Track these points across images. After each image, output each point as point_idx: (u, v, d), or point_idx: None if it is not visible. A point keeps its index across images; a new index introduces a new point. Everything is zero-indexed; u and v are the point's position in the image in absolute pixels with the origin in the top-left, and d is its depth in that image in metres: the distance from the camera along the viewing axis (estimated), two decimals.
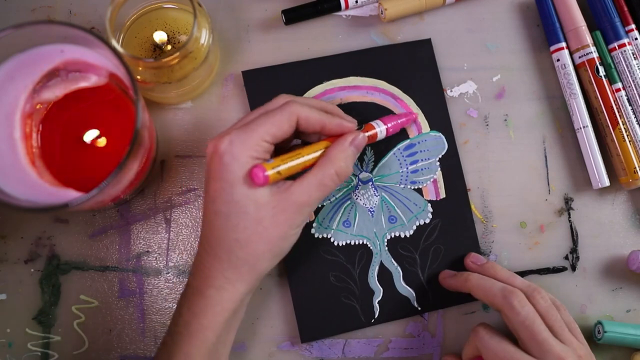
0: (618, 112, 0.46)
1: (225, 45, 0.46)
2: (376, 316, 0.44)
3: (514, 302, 0.38)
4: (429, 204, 0.45)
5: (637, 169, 0.45)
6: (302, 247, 0.43)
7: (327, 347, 0.44)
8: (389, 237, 0.44)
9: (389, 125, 0.42)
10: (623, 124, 0.46)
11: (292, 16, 0.46)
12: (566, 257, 0.46)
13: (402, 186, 0.45)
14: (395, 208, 0.45)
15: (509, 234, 0.46)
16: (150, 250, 0.44)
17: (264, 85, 0.45)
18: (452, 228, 0.45)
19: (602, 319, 0.45)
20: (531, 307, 0.38)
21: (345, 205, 0.44)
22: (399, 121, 0.43)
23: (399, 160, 0.45)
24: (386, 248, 0.44)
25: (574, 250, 0.46)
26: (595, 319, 0.46)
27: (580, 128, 0.46)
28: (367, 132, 0.41)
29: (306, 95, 0.45)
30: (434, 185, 0.45)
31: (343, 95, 0.45)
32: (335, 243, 0.44)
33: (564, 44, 0.47)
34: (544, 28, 0.48)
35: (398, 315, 0.44)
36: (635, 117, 0.46)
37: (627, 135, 0.46)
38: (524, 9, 0.49)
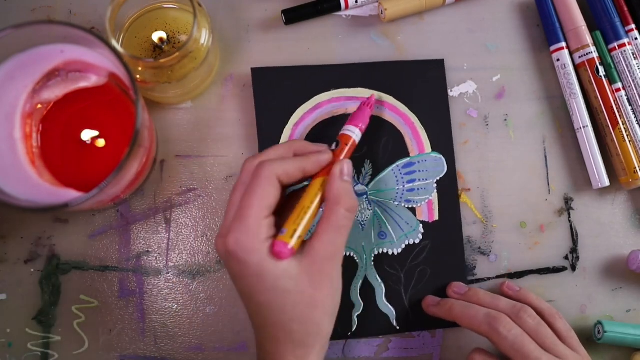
0: (618, 112, 0.46)
1: (225, 45, 0.46)
2: (353, 329, 0.43)
3: (499, 328, 0.38)
4: (421, 225, 0.45)
5: (637, 169, 0.45)
6: None
7: None
8: (376, 253, 0.44)
9: (361, 124, 0.41)
10: (623, 124, 0.46)
11: (292, 16, 0.46)
12: (566, 257, 0.46)
13: (396, 203, 0.45)
14: (387, 224, 0.45)
15: (509, 234, 0.46)
16: (150, 250, 0.44)
17: (271, 85, 0.45)
18: (441, 251, 0.45)
19: (602, 319, 0.45)
20: (518, 330, 0.38)
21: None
22: (366, 113, 0.42)
23: (396, 177, 0.45)
24: (372, 263, 0.44)
25: (574, 250, 0.46)
26: (595, 319, 0.46)
27: (580, 128, 0.46)
28: (346, 146, 0.39)
29: (312, 100, 0.45)
30: (429, 207, 0.45)
31: (349, 106, 0.45)
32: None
33: (564, 44, 0.47)
34: (544, 28, 0.48)
35: (375, 332, 0.44)
36: (635, 117, 0.46)
37: (627, 135, 0.46)
38: (524, 9, 0.49)
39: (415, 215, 0.45)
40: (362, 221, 0.44)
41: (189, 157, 0.45)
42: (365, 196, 0.45)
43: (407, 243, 0.45)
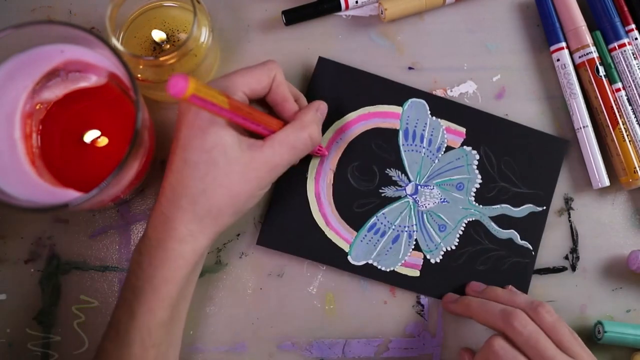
0: (618, 112, 0.46)
1: (225, 45, 0.46)
2: (532, 248, 0.45)
3: (514, 323, 0.37)
4: (464, 146, 0.46)
5: (637, 169, 0.45)
6: (439, 277, 0.44)
7: (327, 347, 0.44)
8: (473, 198, 0.45)
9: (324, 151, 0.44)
10: (623, 124, 0.46)
11: (293, 17, 0.46)
12: (566, 257, 0.46)
13: (436, 161, 0.45)
14: (452, 178, 0.45)
15: None
16: None
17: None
18: (495, 139, 0.45)
19: (602, 319, 0.45)
20: (534, 326, 0.37)
21: (426, 220, 0.45)
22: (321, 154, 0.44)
23: (412, 150, 0.45)
24: (480, 206, 0.45)
25: (574, 250, 0.46)
26: (595, 319, 0.46)
27: (580, 128, 0.46)
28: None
29: (308, 190, 0.44)
30: (450, 132, 0.46)
31: (330, 165, 0.45)
32: (453, 247, 0.45)
33: (564, 44, 0.47)
34: (544, 28, 0.48)
35: (540, 229, 0.45)
36: (635, 117, 0.46)
37: (627, 135, 0.46)
38: (524, 9, 0.49)
39: (454, 148, 0.46)
40: (441, 199, 0.45)
41: None
42: (418, 187, 0.45)
43: (475, 166, 0.46)
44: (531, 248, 0.45)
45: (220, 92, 0.32)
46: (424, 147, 0.45)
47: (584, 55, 0.46)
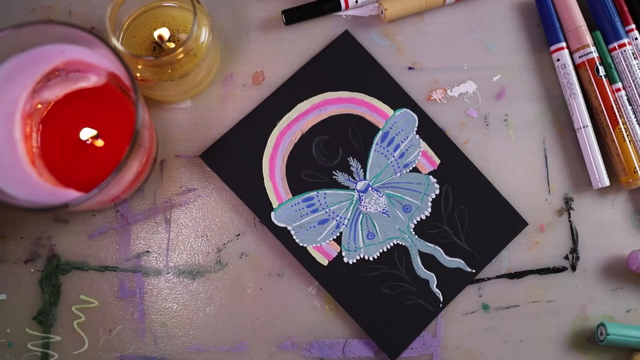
0: (618, 112, 0.46)
1: (225, 45, 0.46)
2: (442, 300, 0.44)
3: None
4: (430, 176, 0.45)
5: (637, 169, 0.45)
6: (343, 278, 0.44)
7: (327, 347, 0.44)
8: (413, 226, 0.45)
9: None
10: (623, 124, 0.46)
11: (292, 16, 0.46)
12: (566, 257, 0.46)
13: (398, 175, 0.45)
14: (404, 197, 0.45)
15: None
16: (150, 250, 0.44)
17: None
18: (462, 184, 0.45)
19: (604, 320, 0.45)
20: None
21: (360, 220, 0.44)
22: None
23: (382, 153, 0.45)
24: (416, 236, 0.44)
25: (574, 250, 0.46)
26: (595, 319, 0.46)
27: (580, 128, 0.46)
28: None
29: (270, 136, 0.45)
30: (425, 157, 0.45)
31: (301, 126, 0.45)
32: (370, 258, 0.44)
33: (564, 44, 0.47)
34: (544, 28, 0.48)
35: (460, 288, 0.44)
36: (635, 117, 0.46)
37: (627, 135, 0.46)
38: (524, 9, 0.49)
39: (420, 172, 0.45)
40: (383, 209, 0.45)
41: (189, 157, 0.45)
42: (370, 188, 0.45)
43: (430, 199, 0.45)
44: (442, 300, 0.44)
45: None
46: (393, 156, 0.45)
47: (584, 55, 0.46)
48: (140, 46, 0.42)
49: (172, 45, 0.42)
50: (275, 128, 0.45)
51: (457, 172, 0.45)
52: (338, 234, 0.44)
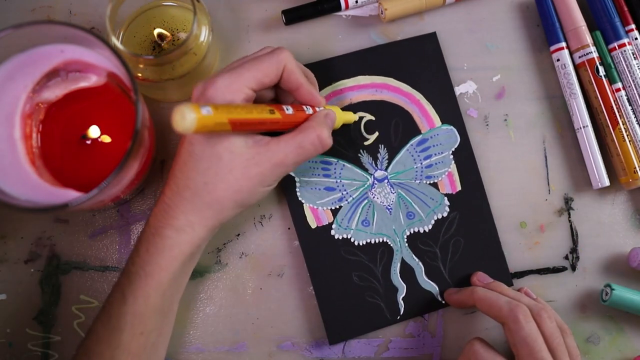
0: (618, 112, 0.46)
1: (225, 45, 0.46)
2: (401, 313, 0.44)
3: (519, 315, 0.37)
4: (446, 198, 0.45)
5: (637, 169, 0.45)
6: (323, 248, 0.44)
7: (327, 347, 0.44)
8: (408, 233, 0.45)
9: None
10: (623, 124, 0.46)
11: (292, 16, 0.46)
12: (566, 257, 0.46)
13: (417, 182, 0.45)
14: (413, 204, 0.45)
15: (509, 234, 0.46)
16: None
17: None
18: (470, 220, 0.45)
19: (610, 284, 0.44)
20: (535, 325, 0.38)
21: (363, 204, 0.45)
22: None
23: (412, 156, 0.45)
24: (406, 244, 0.44)
25: (574, 250, 0.46)
26: (595, 319, 0.46)
27: (580, 128, 0.46)
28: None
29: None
30: (449, 179, 0.45)
31: (352, 96, 0.46)
32: (356, 243, 0.44)
33: (564, 44, 0.47)
34: (544, 28, 0.48)
35: (423, 311, 0.44)
36: (635, 117, 0.46)
37: (627, 135, 0.46)
38: (524, 9, 0.49)
39: (438, 189, 0.45)
40: (389, 205, 0.45)
41: None
42: (386, 180, 0.45)
43: (436, 218, 0.45)
44: (401, 313, 0.44)
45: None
46: (421, 163, 0.45)
47: (584, 55, 0.46)
48: (140, 45, 0.42)
49: (170, 45, 0.42)
50: (329, 87, 0.45)
51: (471, 205, 0.45)
52: (337, 207, 0.44)
